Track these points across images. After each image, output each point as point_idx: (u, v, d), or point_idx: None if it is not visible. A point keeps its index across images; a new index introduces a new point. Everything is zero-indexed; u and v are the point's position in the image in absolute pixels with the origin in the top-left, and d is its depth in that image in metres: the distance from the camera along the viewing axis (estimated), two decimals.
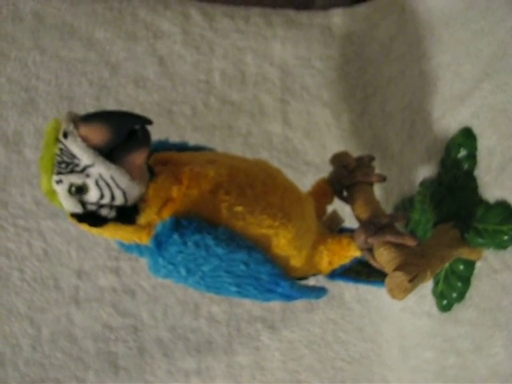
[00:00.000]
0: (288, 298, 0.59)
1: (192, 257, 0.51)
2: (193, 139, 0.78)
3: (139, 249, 0.53)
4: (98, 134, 0.45)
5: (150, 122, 0.47)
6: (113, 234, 0.51)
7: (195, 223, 0.50)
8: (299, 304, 0.82)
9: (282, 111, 0.85)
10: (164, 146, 0.57)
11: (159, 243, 0.50)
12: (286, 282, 0.56)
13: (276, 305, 0.81)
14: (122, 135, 0.46)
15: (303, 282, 0.61)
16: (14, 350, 0.78)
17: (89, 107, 0.80)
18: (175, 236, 0.49)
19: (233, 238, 0.51)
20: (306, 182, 0.67)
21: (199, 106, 0.84)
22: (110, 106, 0.80)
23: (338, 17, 0.88)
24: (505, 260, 0.58)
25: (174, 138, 0.61)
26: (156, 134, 0.55)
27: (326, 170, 0.66)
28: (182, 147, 0.58)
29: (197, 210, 0.51)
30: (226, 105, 0.84)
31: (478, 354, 0.61)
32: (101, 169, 0.46)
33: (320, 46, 0.87)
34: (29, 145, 0.79)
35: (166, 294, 0.80)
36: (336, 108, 0.86)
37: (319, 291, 0.62)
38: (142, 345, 0.80)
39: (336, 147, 0.81)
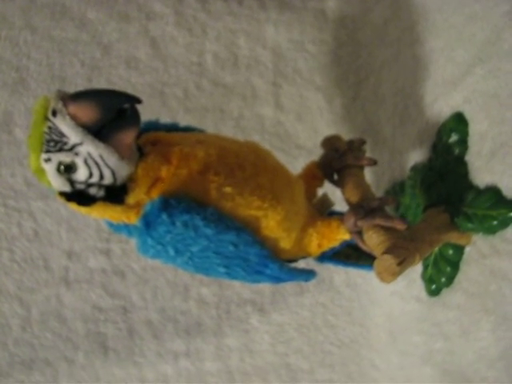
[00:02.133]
0: (277, 279, 0.59)
1: (180, 237, 0.51)
2: (184, 121, 0.78)
3: (128, 229, 0.53)
4: (87, 112, 0.45)
5: (139, 101, 0.47)
6: (101, 214, 0.51)
7: (184, 203, 0.50)
8: (289, 287, 0.82)
9: (275, 94, 0.85)
10: (154, 126, 0.56)
11: (148, 223, 0.50)
12: (275, 263, 0.56)
13: (266, 288, 0.82)
14: (111, 114, 0.46)
15: (293, 265, 0.61)
16: (3, 329, 0.78)
17: (80, 87, 0.79)
18: (164, 216, 0.49)
19: (222, 218, 0.51)
20: (297, 165, 0.67)
21: (191, 88, 0.83)
22: (102, 86, 0.80)
23: (331, 0, 0.87)
24: (494, 245, 0.58)
25: (166, 120, 0.61)
26: (147, 115, 0.55)
27: (317, 154, 0.66)
28: (172, 128, 0.58)
29: (186, 190, 0.50)
30: (218, 87, 0.84)
31: (466, 339, 0.62)
32: (90, 147, 0.46)
33: (313, 30, 0.86)
34: (19, 125, 0.79)
35: (156, 275, 0.80)
36: (328, 92, 0.86)
37: (308, 274, 0.62)
38: (131, 326, 0.80)
39: (328, 131, 0.81)
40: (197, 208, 0.50)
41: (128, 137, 0.47)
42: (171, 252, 0.52)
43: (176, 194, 0.50)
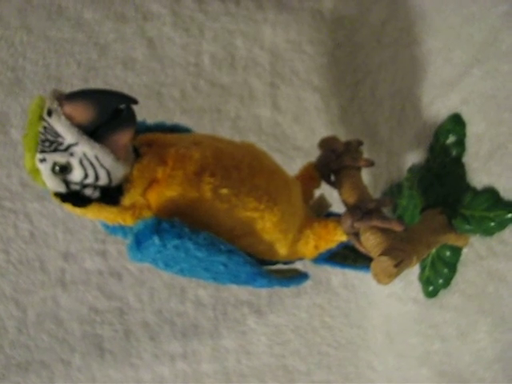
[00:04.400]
0: (267, 287, 0.59)
1: (170, 256, 0.50)
2: (181, 122, 0.78)
3: (123, 230, 0.53)
4: (83, 112, 0.45)
5: (135, 102, 0.46)
6: (96, 215, 0.50)
7: (177, 228, 0.49)
8: (286, 289, 0.82)
9: (272, 95, 0.85)
10: (149, 127, 0.56)
11: (139, 242, 0.49)
12: (264, 278, 0.57)
13: (263, 289, 0.81)
14: (107, 114, 0.46)
15: (289, 266, 0.61)
16: None
17: (76, 88, 0.78)
18: (155, 239, 0.48)
19: (214, 242, 0.50)
20: (294, 166, 0.66)
21: (188, 88, 0.83)
22: (98, 87, 0.79)
23: (329, 1, 0.87)
24: (491, 246, 0.58)
25: (163, 121, 0.60)
26: (144, 116, 0.54)
27: (314, 155, 0.65)
28: (159, 127, 0.57)
29: (181, 191, 0.50)
30: (215, 88, 0.84)
31: (463, 340, 0.62)
32: (85, 148, 0.46)
33: (311, 31, 0.86)
34: (15, 125, 0.78)
35: (153, 277, 0.80)
36: (326, 93, 0.86)
37: (300, 279, 0.62)
38: (128, 328, 0.80)
39: (325, 132, 0.81)
40: (189, 233, 0.49)
41: (124, 137, 0.47)
42: (161, 265, 0.52)
43: (170, 215, 0.49)
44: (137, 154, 0.50)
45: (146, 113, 0.55)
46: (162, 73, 0.83)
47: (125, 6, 0.83)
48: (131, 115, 0.47)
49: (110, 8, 0.83)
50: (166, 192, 0.50)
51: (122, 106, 0.46)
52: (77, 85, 0.80)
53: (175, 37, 0.84)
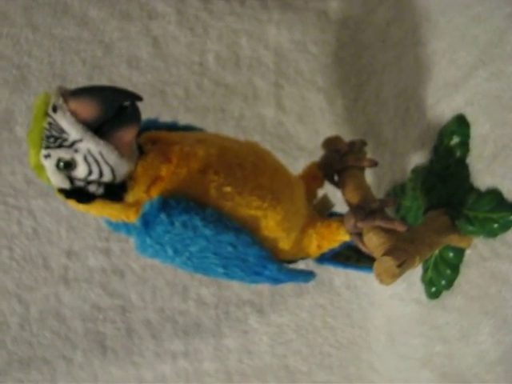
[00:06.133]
0: (275, 280, 0.59)
1: (179, 237, 0.50)
2: (185, 121, 0.78)
3: (127, 227, 0.53)
4: (88, 108, 0.45)
5: (140, 99, 0.46)
6: (100, 212, 0.50)
7: (183, 203, 0.49)
8: (288, 288, 0.82)
9: (276, 95, 0.85)
10: (154, 124, 0.56)
11: (146, 222, 0.49)
12: (274, 265, 0.56)
13: (265, 289, 0.82)
14: (112, 111, 0.46)
15: (292, 266, 0.61)
16: (1, 328, 0.78)
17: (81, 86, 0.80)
18: (162, 216, 0.49)
19: (221, 219, 0.51)
20: (298, 166, 0.66)
21: (192, 87, 0.83)
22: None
23: (334, 1, 0.87)
24: (494, 248, 0.58)
25: (167, 119, 0.60)
26: (148, 114, 0.54)
27: (318, 155, 0.65)
28: (172, 127, 0.58)
29: (185, 189, 0.50)
30: (219, 87, 0.84)
31: (465, 342, 0.61)
32: (89, 144, 0.46)
33: (316, 31, 0.86)
34: (20, 123, 0.79)
35: (155, 275, 0.80)
36: (330, 93, 0.86)
37: (307, 275, 0.62)
38: (130, 326, 0.80)
39: (329, 132, 0.80)
40: (196, 208, 0.50)
41: (128, 134, 0.47)
42: (170, 252, 0.52)
43: (175, 193, 0.50)
44: (141, 151, 0.50)
45: (149, 111, 0.55)
46: (166, 71, 0.83)
47: (130, 4, 0.83)
48: (136, 112, 0.47)
49: (115, 6, 0.83)
50: (170, 189, 0.50)
51: (127, 104, 0.47)
52: (81, 83, 0.80)
53: (180, 36, 0.84)
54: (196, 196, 0.50)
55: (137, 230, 0.51)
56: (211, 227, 0.50)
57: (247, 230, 0.53)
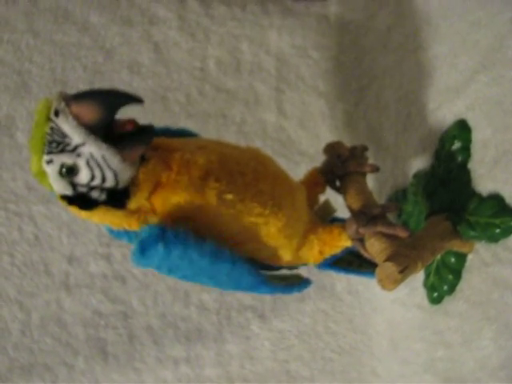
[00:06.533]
0: (270, 293, 0.60)
1: (174, 264, 0.51)
2: (187, 126, 0.78)
3: (128, 235, 0.52)
4: (90, 112, 0.45)
5: (141, 102, 0.46)
6: (102, 219, 0.50)
7: (182, 237, 0.49)
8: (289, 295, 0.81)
9: (277, 100, 0.85)
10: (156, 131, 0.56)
11: (143, 249, 0.49)
12: (267, 286, 0.57)
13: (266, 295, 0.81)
14: (114, 113, 0.46)
15: (294, 271, 0.61)
16: (2, 334, 0.77)
17: None
18: (160, 247, 0.48)
19: (218, 252, 0.51)
20: (299, 171, 0.66)
21: (194, 93, 0.83)
22: None
23: (335, 6, 0.87)
24: (496, 253, 0.58)
25: (169, 125, 0.61)
26: (149, 120, 0.54)
27: (319, 160, 0.65)
28: (166, 132, 0.58)
29: (186, 197, 0.50)
30: (220, 93, 0.84)
31: (467, 347, 0.61)
32: (92, 148, 0.46)
33: (316, 36, 0.86)
34: (21, 129, 0.79)
35: (157, 281, 0.80)
36: (331, 98, 0.86)
37: (301, 285, 0.62)
38: (131, 332, 0.80)
39: (330, 137, 0.81)
40: (194, 243, 0.49)
41: (139, 152, 0.48)
42: (164, 271, 0.53)
43: (175, 223, 0.50)
44: (142, 157, 0.50)
45: (151, 117, 0.55)
46: (167, 77, 0.83)
47: (131, 10, 0.83)
48: (152, 135, 0.48)
49: (116, 12, 0.83)
50: (171, 197, 0.50)
51: (146, 125, 0.47)
52: (82, 88, 0.80)
53: (181, 41, 0.84)
54: (197, 203, 0.50)
55: (133, 249, 0.50)
56: (207, 259, 0.50)
57: (243, 261, 0.53)
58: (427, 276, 0.67)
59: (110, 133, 0.47)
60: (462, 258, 0.62)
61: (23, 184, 0.79)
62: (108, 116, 0.46)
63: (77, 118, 0.45)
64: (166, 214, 0.50)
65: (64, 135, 0.46)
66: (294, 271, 0.62)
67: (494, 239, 0.57)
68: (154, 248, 0.49)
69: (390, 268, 0.51)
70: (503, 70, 0.58)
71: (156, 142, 0.52)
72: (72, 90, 0.78)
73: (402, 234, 0.54)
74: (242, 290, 0.58)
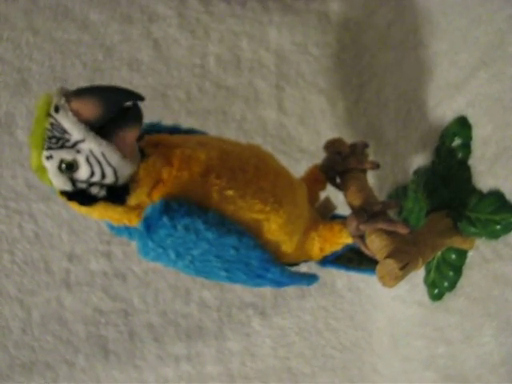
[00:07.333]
0: (278, 283, 0.59)
1: (181, 240, 0.50)
2: (187, 124, 0.78)
3: (129, 231, 0.53)
4: (90, 108, 0.45)
5: (142, 98, 0.46)
6: (102, 215, 0.50)
7: (185, 206, 0.49)
8: (291, 291, 0.82)
9: (277, 97, 0.85)
10: (156, 128, 0.56)
11: (149, 226, 0.49)
12: (276, 267, 0.56)
13: (267, 291, 0.81)
14: (114, 110, 0.46)
15: (294, 268, 0.61)
16: (3, 332, 0.77)
17: None
18: (165, 219, 0.49)
19: (223, 222, 0.51)
20: (299, 168, 0.66)
21: (194, 90, 0.83)
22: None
23: (335, 3, 0.87)
24: (497, 250, 0.58)
25: (168, 122, 0.60)
26: (150, 117, 0.54)
27: (320, 157, 0.65)
28: (174, 130, 0.58)
29: (187, 192, 0.50)
30: (220, 90, 0.84)
31: (468, 344, 0.61)
32: (92, 144, 0.46)
33: (316, 33, 0.86)
34: (21, 126, 0.79)
35: (158, 278, 0.80)
36: (331, 95, 0.86)
37: (310, 278, 0.62)
38: (132, 329, 0.80)
39: (331, 134, 0.80)
40: (198, 211, 0.49)
41: (130, 135, 0.47)
42: (172, 255, 0.52)
43: (177, 196, 0.50)
44: (143, 154, 0.50)
45: (151, 114, 0.55)
46: (167, 74, 0.83)
47: (131, 7, 0.83)
48: (138, 113, 0.47)
49: (116, 9, 0.83)
50: (172, 193, 0.50)
51: (129, 104, 0.46)
52: (82, 86, 0.80)
53: (181, 38, 0.84)
54: (198, 200, 0.50)
55: (139, 233, 0.51)
56: (213, 230, 0.50)
57: (250, 233, 0.53)
58: (428, 273, 0.67)
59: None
60: (462, 254, 0.62)
61: (23, 182, 0.79)
62: (108, 113, 0.46)
63: (77, 114, 0.45)
64: None
65: (64, 131, 0.45)
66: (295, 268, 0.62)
67: (494, 236, 0.58)
68: (160, 221, 0.49)
69: (390, 265, 0.51)
70: (503, 67, 0.58)
71: (156, 139, 0.52)
72: (72, 87, 0.79)
73: (402, 230, 0.54)
74: (251, 274, 0.56)
